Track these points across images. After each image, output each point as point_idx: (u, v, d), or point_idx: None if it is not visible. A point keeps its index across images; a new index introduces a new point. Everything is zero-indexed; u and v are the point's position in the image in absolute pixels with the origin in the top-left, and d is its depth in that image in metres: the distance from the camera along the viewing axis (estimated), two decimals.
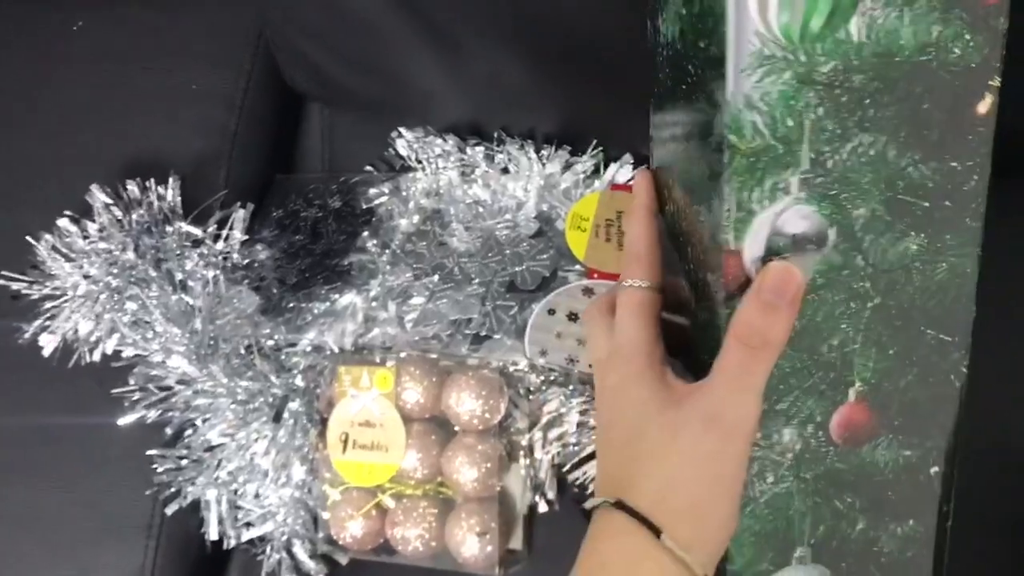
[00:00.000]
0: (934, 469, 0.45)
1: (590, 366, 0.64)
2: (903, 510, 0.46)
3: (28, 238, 0.72)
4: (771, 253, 0.42)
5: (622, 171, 0.70)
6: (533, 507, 0.68)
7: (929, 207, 0.41)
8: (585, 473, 0.66)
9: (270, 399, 0.70)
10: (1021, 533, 0.64)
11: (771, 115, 0.40)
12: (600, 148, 0.70)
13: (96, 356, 0.72)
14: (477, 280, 0.69)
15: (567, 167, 0.71)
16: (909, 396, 0.44)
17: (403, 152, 0.76)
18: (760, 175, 0.41)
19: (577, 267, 0.69)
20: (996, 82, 0.39)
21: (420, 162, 0.75)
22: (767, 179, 0.41)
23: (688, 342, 0.50)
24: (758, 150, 0.40)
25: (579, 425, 0.65)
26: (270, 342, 0.72)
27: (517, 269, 0.69)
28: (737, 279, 0.42)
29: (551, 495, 0.68)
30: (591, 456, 0.66)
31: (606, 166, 0.71)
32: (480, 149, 0.72)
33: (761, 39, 0.39)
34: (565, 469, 0.67)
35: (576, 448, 0.66)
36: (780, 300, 0.41)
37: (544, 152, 0.71)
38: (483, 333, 0.67)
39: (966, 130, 0.40)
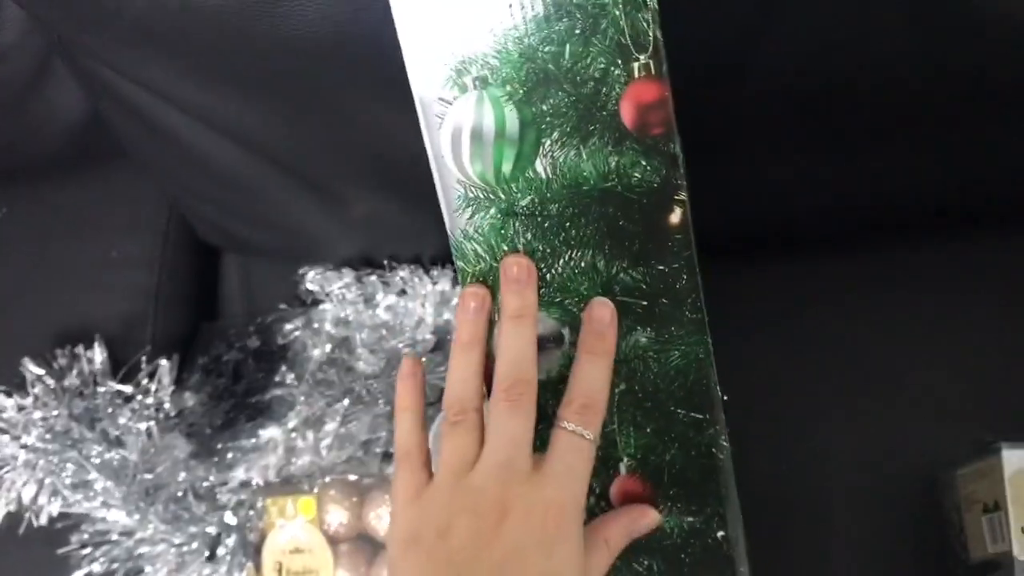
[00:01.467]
0: (720, 533, 0.49)
1: None
2: (700, 571, 0.50)
3: None
4: None
5: None
6: None
7: (648, 305, 0.47)
8: None
9: (206, 539, 0.74)
10: None
11: (487, 243, 0.47)
12: None
13: (43, 520, 0.76)
14: (383, 399, 0.74)
15: (456, 282, 0.77)
16: (677, 468, 0.49)
17: (312, 287, 0.81)
18: (491, 291, 0.47)
19: None
20: (682, 196, 0.45)
21: (327, 295, 0.80)
22: (497, 294, 0.47)
23: None
24: (484, 271, 0.47)
25: None
26: (204, 484, 0.76)
27: None
28: (487, 374, 0.48)
29: None
30: None
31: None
32: (375, 278, 0.78)
33: (463, 185, 0.46)
34: None
35: None
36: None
37: (433, 271, 0.77)
38: (391, 450, 0.72)
39: (664, 239, 0.45)
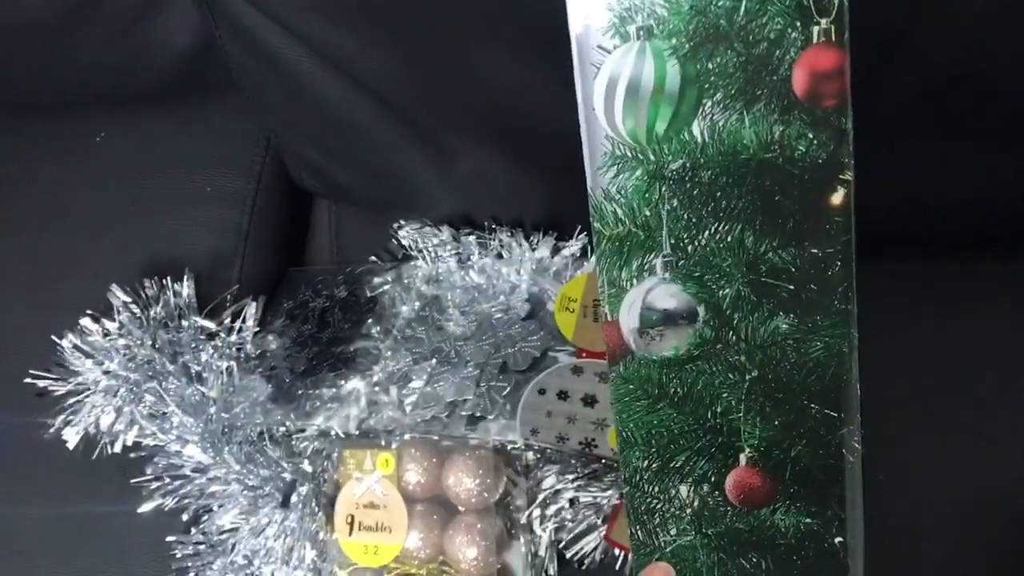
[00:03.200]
0: (838, 539, 0.47)
1: (580, 443, 0.67)
2: None
3: (53, 337, 0.76)
4: (646, 325, 0.45)
5: None
6: None
7: (794, 290, 0.43)
8: (582, 549, 0.68)
9: (280, 484, 0.73)
10: None
11: (629, 206, 0.44)
12: (585, 232, 0.74)
13: (117, 448, 0.75)
14: (472, 362, 0.72)
15: (556, 251, 0.75)
16: (802, 466, 0.46)
17: (404, 242, 0.80)
18: (627, 257, 0.44)
19: (567, 347, 0.71)
20: (848, 175, 0.42)
21: (420, 251, 0.79)
22: (633, 260, 0.44)
23: None
24: (622, 235, 0.44)
25: (573, 502, 0.67)
26: (281, 429, 0.75)
27: (510, 351, 0.72)
28: (617, 346, 0.46)
29: (551, 571, 0.69)
30: (587, 531, 0.68)
31: (592, 249, 0.74)
32: (473, 238, 0.76)
33: (611, 141, 0.43)
34: (562, 545, 0.68)
35: (572, 524, 0.68)
36: None
37: (533, 238, 0.75)
38: (478, 414, 0.70)
39: (822, 220, 0.42)
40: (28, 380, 0.76)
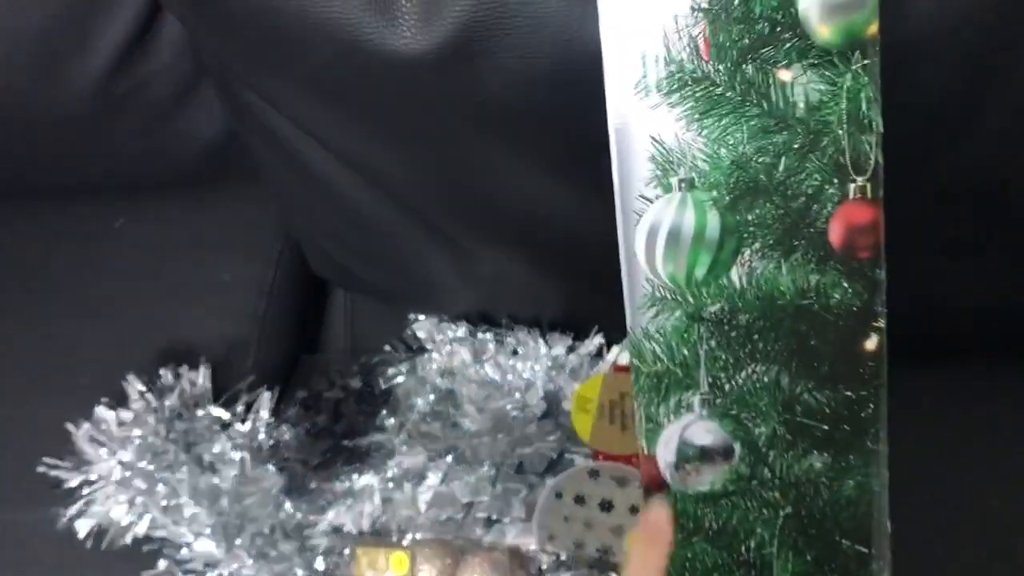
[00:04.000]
0: None
1: (597, 549, 0.67)
2: None
3: (67, 426, 0.76)
4: (682, 460, 0.46)
5: (624, 353, 0.74)
6: None
7: (829, 430, 0.45)
8: None
9: None
10: None
11: (667, 344, 0.45)
12: (600, 331, 0.75)
13: (128, 539, 0.75)
14: (488, 462, 0.72)
15: (571, 349, 0.76)
16: None
17: (420, 334, 0.80)
18: (664, 393, 0.46)
19: (583, 449, 0.72)
20: (880, 323, 0.43)
21: (435, 344, 0.79)
22: (671, 397, 0.46)
23: None
24: (660, 372, 0.46)
25: None
26: (293, 522, 0.75)
27: (526, 451, 0.72)
28: (654, 480, 0.47)
29: None
30: None
31: (608, 348, 0.75)
32: (490, 335, 0.77)
33: (651, 284, 0.44)
34: None
35: None
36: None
37: (549, 336, 0.76)
38: (493, 516, 0.70)
39: (856, 364, 0.44)
40: (41, 469, 0.75)
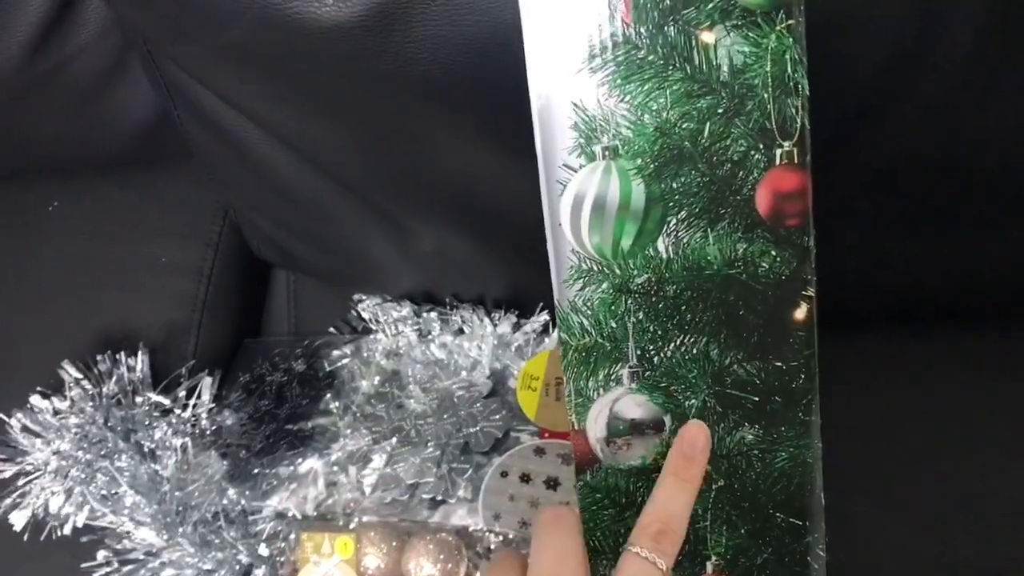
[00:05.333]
0: None
1: None
2: None
3: (0, 416, 0.74)
4: (613, 435, 0.46)
5: None
6: None
7: (760, 401, 0.44)
8: None
9: (235, 568, 0.71)
10: None
11: (595, 318, 0.44)
12: (546, 309, 0.74)
13: (67, 530, 0.73)
14: (433, 442, 0.71)
15: (517, 327, 0.75)
16: (767, 573, 0.46)
17: (364, 315, 0.79)
18: (593, 367, 0.45)
19: (529, 427, 0.71)
20: (810, 292, 0.42)
21: (380, 324, 0.78)
22: (600, 370, 0.45)
23: None
24: (588, 346, 0.45)
25: None
26: (237, 509, 0.73)
27: (471, 430, 0.71)
28: (585, 455, 0.46)
29: None
30: None
31: (554, 326, 0.74)
32: (434, 314, 0.75)
33: (578, 256, 0.43)
34: None
35: None
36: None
37: (495, 314, 0.75)
38: (439, 497, 0.69)
39: (786, 334, 0.43)
40: None
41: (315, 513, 0.72)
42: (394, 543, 0.69)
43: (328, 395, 0.77)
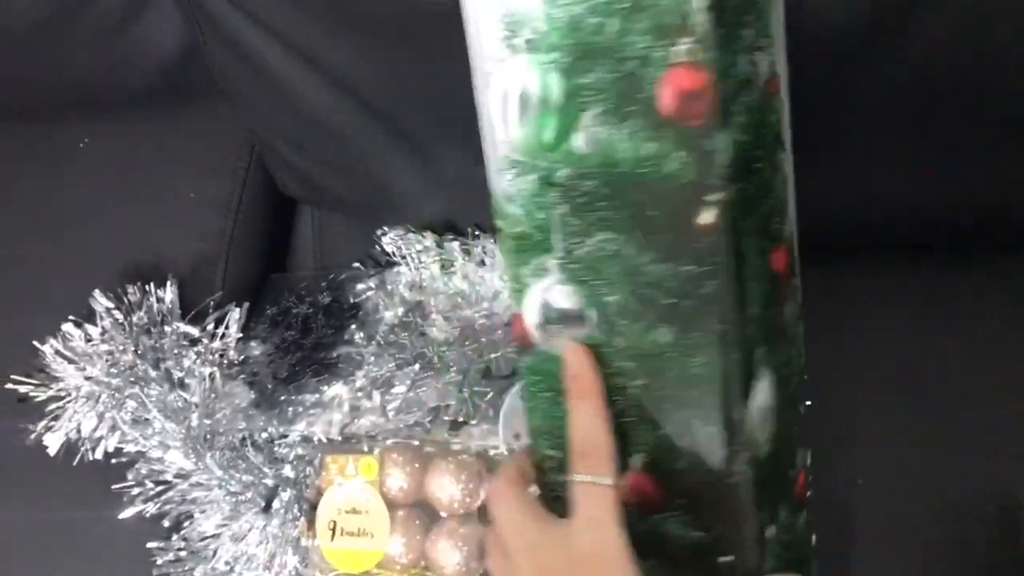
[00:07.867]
0: (727, 558, 0.47)
1: None
2: None
3: (35, 343, 0.76)
4: (545, 321, 0.47)
5: None
6: None
7: (675, 303, 0.44)
8: None
9: (262, 490, 0.73)
10: None
11: (525, 208, 0.45)
12: None
13: (99, 453, 0.75)
14: (455, 368, 0.72)
15: None
16: (689, 481, 0.46)
17: (388, 248, 0.80)
18: (526, 255, 0.46)
19: None
20: (715, 197, 0.41)
21: (404, 257, 0.79)
22: (532, 259, 0.45)
23: None
24: (521, 234, 0.45)
25: None
26: (263, 434, 0.75)
27: (492, 356, 0.72)
28: (523, 338, 0.48)
29: None
30: None
31: None
32: (456, 244, 0.76)
33: (507, 147, 0.44)
34: None
35: None
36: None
37: None
38: (461, 419, 0.70)
39: (692, 239, 0.42)
40: (9, 385, 0.75)
41: (340, 437, 0.73)
42: (417, 464, 0.70)
43: (353, 326, 0.78)
